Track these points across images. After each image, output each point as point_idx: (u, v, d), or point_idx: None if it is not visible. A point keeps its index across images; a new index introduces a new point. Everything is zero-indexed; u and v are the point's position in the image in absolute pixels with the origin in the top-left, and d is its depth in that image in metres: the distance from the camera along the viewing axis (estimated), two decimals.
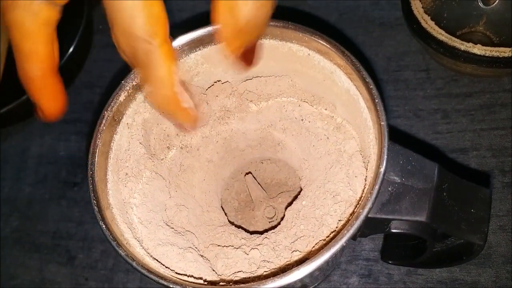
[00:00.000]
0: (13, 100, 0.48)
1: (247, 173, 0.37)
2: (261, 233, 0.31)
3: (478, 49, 0.37)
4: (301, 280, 0.22)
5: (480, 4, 0.44)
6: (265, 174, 0.38)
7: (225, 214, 0.35)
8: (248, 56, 0.22)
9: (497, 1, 0.43)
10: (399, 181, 0.23)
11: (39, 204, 0.47)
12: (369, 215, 0.22)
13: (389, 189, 0.23)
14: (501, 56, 0.37)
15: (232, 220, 0.35)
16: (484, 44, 0.37)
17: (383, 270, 0.38)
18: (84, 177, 0.47)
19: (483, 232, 0.24)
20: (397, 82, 0.46)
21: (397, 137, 0.25)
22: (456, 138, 0.42)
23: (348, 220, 0.25)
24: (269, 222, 0.35)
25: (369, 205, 0.22)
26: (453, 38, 0.38)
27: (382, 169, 0.22)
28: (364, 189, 0.26)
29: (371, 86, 0.24)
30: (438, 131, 0.43)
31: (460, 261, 0.28)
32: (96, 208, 0.24)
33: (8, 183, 0.49)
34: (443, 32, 0.38)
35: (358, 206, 0.25)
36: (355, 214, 0.22)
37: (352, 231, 0.21)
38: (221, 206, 0.36)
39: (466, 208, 0.24)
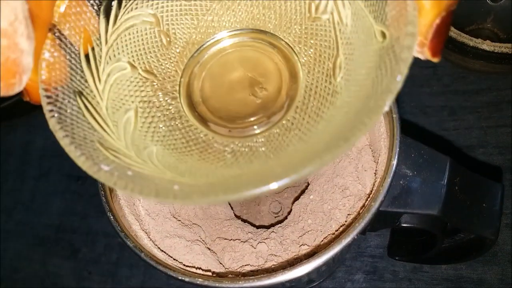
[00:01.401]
0: (18, 93, 0.48)
1: None
2: (267, 227, 0.31)
3: (487, 45, 0.37)
4: (308, 274, 0.22)
5: (488, 1, 0.44)
6: None
7: (231, 208, 0.35)
8: (437, 41, 0.17)
9: None
10: (410, 174, 0.23)
11: (42, 197, 0.47)
12: (380, 209, 0.22)
13: (401, 182, 0.23)
14: (510, 53, 0.36)
15: (237, 215, 0.35)
16: (492, 40, 0.37)
17: (388, 267, 0.38)
18: None
19: (495, 227, 0.23)
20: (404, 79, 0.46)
21: (403, 133, 0.25)
22: (463, 136, 0.42)
23: (358, 214, 0.25)
24: (275, 217, 0.35)
25: (380, 198, 0.22)
26: (462, 34, 0.37)
27: (394, 162, 0.22)
28: (374, 183, 0.26)
29: None
30: (444, 128, 0.43)
31: (469, 257, 0.28)
32: (104, 199, 0.24)
33: (12, 176, 0.49)
34: (452, 28, 0.38)
35: (368, 199, 0.25)
36: (366, 207, 0.22)
37: (363, 224, 0.21)
38: None
39: (478, 202, 0.24)
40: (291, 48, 0.20)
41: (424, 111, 0.44)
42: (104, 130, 0.17)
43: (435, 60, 0.17)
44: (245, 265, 0.26)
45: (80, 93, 0.18)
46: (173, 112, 0.20)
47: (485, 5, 0.44)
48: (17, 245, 0.45)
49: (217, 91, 0.20)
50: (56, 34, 0.18)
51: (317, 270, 0.22)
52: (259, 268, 0.26)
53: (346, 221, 0.26)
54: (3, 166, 0.50)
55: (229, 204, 0.35)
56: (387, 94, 0.14)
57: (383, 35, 0.16)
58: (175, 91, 0.20)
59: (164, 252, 0.25)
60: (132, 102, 0.19)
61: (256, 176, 0.15)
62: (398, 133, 0.22)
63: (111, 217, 0.24)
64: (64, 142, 0.16)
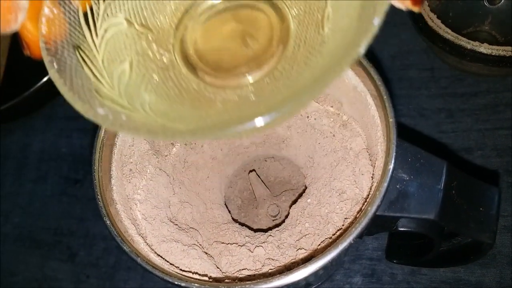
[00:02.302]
0: (15, 96, 0.48)
1: (250, 171, 0.37)
2: (265, 231, 0.31)
3: (484, 48, 0.37)
4: (306, 278, 0.22)
5: (486, 3, 0.44)
6: (269, 172, 0.38)
7: (229, 211, 0.35)
8: None
9: (502, 1, 0.43)
10: (407, 178, 0.23)
11: (40, 200, 0.47)
12: (377, 213, 0.22)
13: (397, 186, 0.23)
14: (507, 55, 0.36)
15: (235, 218, 0.35)
16: (489, 43, 0.37)
17: (387, 269, 0.38)
18: (85, 174, 0.47)
19: (492, 231, 0.23)
20: (402, 81, 0.46)
21: (401, 136, 0.25)
22: (461, 138, 0.42)
23: (355, 218, 0.25)
24: (273, 220, 0.35)
25: (377, 202, 0.22)
26: (459, 37, 0.37)
27: (390, 166, 0.22)
28: (371, 187, 0.26)
29: (378, 83, 0.24)
30: (442, 131, 0.43)
31: (467, 261, 0.28)
32: (100, 204, 0.24)
33: (9, 179, 0.49)
34: (449, 31, 0.38)
35: (365, 204, 0.25)
36: (362, 212, 0.22)
37: (360, 229, 0.21)
38: (225, 204, 0.35)
39: (475, 206, 0.24)
40: (282, 0, 0.21)
41: (422, 114, 0.44)
42: (99, 81, 0.18)
43: (416, 9, 0.18)
44: (242, 269, 0.26)
45: (78, 47, 0.19)
46: (166, 63, 0.21)
47: (483, 7, 0.44)
48: (15, 248, 0.45)
49: (210, 43, 0.21)
50: None
51: (315, 274, 0.22)
52: (256, 272, 0.26)
53: (343, 225, 0.26)
54: (0, 169, 0.50)
55: (227, 208, 0.35)
56: (364, 39, 0.15)
57: None
58: (169, 43, 0.21)
59: (161, 256, 0.25)
60: (128, 55, 0.20)
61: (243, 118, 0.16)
62: (394, 138, 0.22)
63: (108, 221, 0.23)
64: (63, 89, 0.17)
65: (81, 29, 0.19)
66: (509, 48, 0.36)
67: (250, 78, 0.19)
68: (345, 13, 0.18)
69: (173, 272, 0.24)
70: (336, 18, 0.19)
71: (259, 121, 0.15)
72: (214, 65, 0.20)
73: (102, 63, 0.19)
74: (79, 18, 0.19)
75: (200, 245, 0.27)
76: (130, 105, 0.18)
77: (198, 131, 0.16)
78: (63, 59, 0.18)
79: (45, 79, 0.48)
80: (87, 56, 0.19)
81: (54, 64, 0.17)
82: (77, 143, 0.49)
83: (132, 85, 0.19)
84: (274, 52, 0.20)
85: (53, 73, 0.17)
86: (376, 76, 0.24)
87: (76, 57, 0.19)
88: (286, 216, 0.31)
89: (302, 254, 0.26)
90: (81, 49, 0.19)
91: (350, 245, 0.21)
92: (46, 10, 0.18)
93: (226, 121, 0.16)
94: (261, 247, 0.27)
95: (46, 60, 0.17)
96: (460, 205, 0.23)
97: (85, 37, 0.19)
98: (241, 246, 0.28)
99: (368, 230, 0.25)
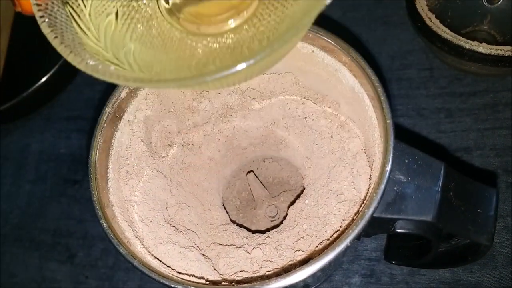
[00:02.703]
0: (14, 97, 0.48)
1: (249, 172, 0.37)
2: (263, 232, 0.31)
3: (483, 48, 0.36)
4: (303, 280, 0.22)
5: (485, 2, 0.44)
6: (267, 173, 0.38)
7: (227, 212, 0.35)
8: None
9: (501, 0, 0.43)
10: (404, 180, 0.23)
11: (39, 201, 0.47)
12: (374, 215, 0.22)
13: (395, 188, 0.23)
14: (506, 55, 0.36)
15: (233, 219, 0.35)
16: (488, 42, 0.37)
17: (386, 270, 0.38)
18: (84, 174, 0.47)
19: (489, 233, 0.23)
20: (400, 81, 0.45)
21: (400, 136, 0.25)
22: (460, 138, 0.42)
23: (353, 219, 0.25)
24: (271, 221, 0.35)
25: (374, 204, 0.22)
26: (458, 37, 0.37)
27: (387, 168, 0.22)
28: (368, 188, 0.26)
29: (376, 84, 0.24)
30: (441, 130, 0.43)
31: (465, 262, 0.28)
32: (97, 206, 0.24)
33: (8, 180, 0.49)
34: (447, 31, 0.38)
35: (362, 205, 0.25)
36: (360, 214, 0.22)
37: (357, 231, 0.21)
38: (223, 205, 0.35)
39: (473, 208, 0.24)
40: None
41: (421, 113, 0.44)
42: (86, 35, 0.19)
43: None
44: (240, 271, 0.26)
45: (67, 2, 0.20)
46: (150, 13, 0.22)
47: (482, 7, 0.44)
48: (14, 249, 0.45)
49: None
50: None
51: (312, 276, 0.22)
52: (254, 274, 0.26)
53: (341, 227, 0.26)
54: None
55: (225, 209, 0.35)
56: None
57: None
58: None
59: (158, 259, 0.25)
60: (113, 7, 0.21)
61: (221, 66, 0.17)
62: (392, 139, 0.22)
63: (104, 224, 0.23)
64: (55, 43, 0.18)
65: None
66: (508, 47, 0.36)
67: (230, 25, 0.20)
68: None
69: (170, 274, 0.24)
70: None
71: (240, 66, 0.16)
72: (196, 14, 0.21)
73: (89, 16, 0.20)
74: None
75: (198, 247, 0.27)
76: (115, 59, 0.19)
77: (180, 78, 0.17)
78: (53, 14, 0.19)
79: (44, 79, 0.48)
80: (75, 11, 0.20)
81: (45, 19, 0.18)
82: (76, 144, 0.49)
83: (117, 36, 0.21)
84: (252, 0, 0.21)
85: (44, 27, 0.18)
86: (373, 77, 0.24)
87: (66, 13, 0.19)
88: (285, 217, 0.31)
89: (299, 255, 0.26)
90: (69, 4, 0.20)
91: (348, 247, 0.21)
92: None
93: (205, 69, 0.18)
94: (258, 249, 0.27)
95: (37, 15, 0.18)
96: (457, 206, 0.23)
97: None
98: (239, 247, 0.28)
99: (366, 232, 0.25)
